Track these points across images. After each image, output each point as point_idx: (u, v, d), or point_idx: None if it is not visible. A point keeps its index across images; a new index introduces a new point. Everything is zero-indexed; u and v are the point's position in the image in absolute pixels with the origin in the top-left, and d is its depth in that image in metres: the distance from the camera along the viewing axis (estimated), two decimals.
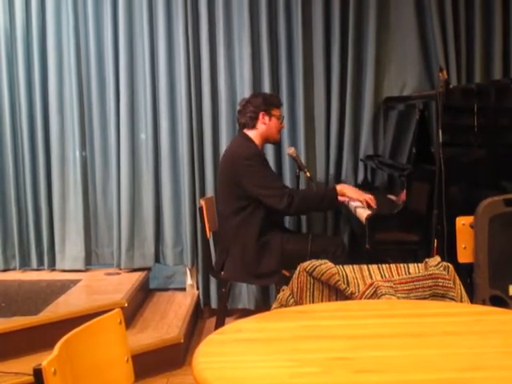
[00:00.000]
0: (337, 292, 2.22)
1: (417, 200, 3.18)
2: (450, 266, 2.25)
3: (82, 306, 3.48)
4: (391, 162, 3.60)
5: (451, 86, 3.28)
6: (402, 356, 1.51)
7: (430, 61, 4.05)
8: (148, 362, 3.23)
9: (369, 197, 3.42)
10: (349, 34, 4.01)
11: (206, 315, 4.26)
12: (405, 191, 3.17)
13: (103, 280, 4.10)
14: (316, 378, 1.40)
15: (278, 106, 3.61)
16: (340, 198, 3.42)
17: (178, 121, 4.19)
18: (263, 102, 3.53)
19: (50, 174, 4.27)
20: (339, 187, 3.46)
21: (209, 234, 3.57)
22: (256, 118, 3.52)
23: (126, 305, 3.50)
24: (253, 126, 3.53)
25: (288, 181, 4.09)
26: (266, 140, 3.60)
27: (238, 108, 3.65)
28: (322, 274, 2.20)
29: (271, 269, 3.40)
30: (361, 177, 4.09)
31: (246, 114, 3.53)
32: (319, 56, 4.05)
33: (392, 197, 3.48)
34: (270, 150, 4.02)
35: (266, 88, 4.02)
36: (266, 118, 3.53)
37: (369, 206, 3.37)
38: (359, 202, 3.42)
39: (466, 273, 2.80)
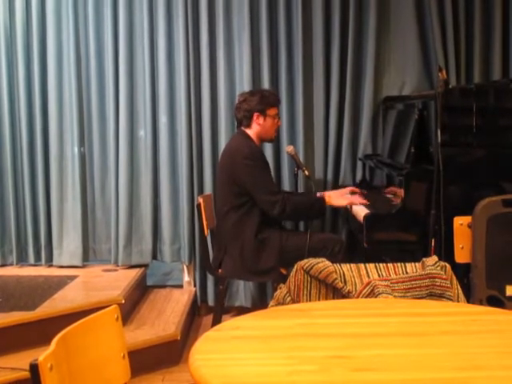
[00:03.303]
0: (334, 291, 2.22)
1: (415, 199, 3.18)
2: (448, 265, 2.25)
3: (79, 301, 3.48)
4: (390, 162, 3.60)
5: (450, 86, 3.29)
6: (399, 355, 1.51)
7: (430, 61, 4.05)
8: (144, 359, 3.23)
9: (355, 198, 3.59)
10: (348, 33, 4.01)
11: (203, 312, 4.26)
12: (402, 189, 3.17)
13: (100, 276, 4.09)
14: (314, 375, 1.40)
15: (275, 104, 3.58)
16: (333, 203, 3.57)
17: (177, 118, 4.18)
18: (259, 102, 3.50)
19: (49, 170, 4.27)
20: (327, 197, 3.55)
21: (206, 232, 3.57)
22: (250, 118, 3.52)
23: (123, 301, 3.50)
24: (248, 125, 3.54)
25: (287, 179, 4.10)
26: (261, 139, 3.60)
27: (235, 102, 3.65)
28: (320, 273, 2.21)
29: (270, 265, 3.41)
30: (359, 176, 4.09)
31: (241, 113, 3.54)
32: (319, 55, 4.05)
33: (389, 193, 3.49)
34: (268, 149, 4.02)
35: (265, 86, 4.02)
36: (261, 119, 3.52)
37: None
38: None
39: (463, 273, 2.80)
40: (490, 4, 3.99)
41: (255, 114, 3.51)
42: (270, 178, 3.55)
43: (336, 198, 3.58)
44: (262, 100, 3.51)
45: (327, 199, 3.52)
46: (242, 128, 3.56)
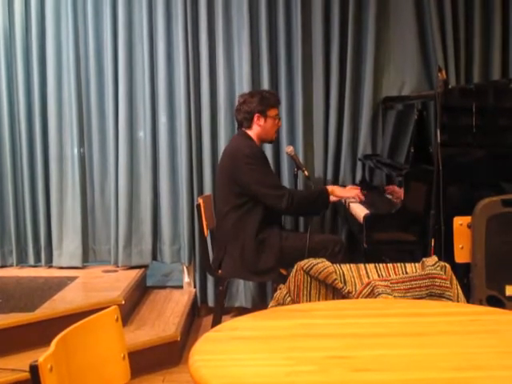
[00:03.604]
0: (334, 291, 2.22)
1: (414, 200, 3.18)
2: (447, 265, 2.25)
3: (78, 302, 3.48)
4: (389, 162, 3.60)
5: (450, 86, 3.29)
6: (398, 355, 1.51)
7: (429, 61, 4.05)
8: (145, 360, 3.23)
9: (356, 192, 3.59)
10: (348, 33, 4.01)
11: (203, 313, 4.26)
12: (402, 189, 3.17)
13: (100, 277, 4.09)
14: (313, 376, 1.40)
15: (275, 105, 3.59)
16: (331, 198, 3.56)
17: (176, 119, 4.18)
18: (259, 103, 3.50)
19: (48, 170, 4.27)
20: (330, 188, 3.59)
21: (206, 232, 3.57)
22: (251, 119, 3.52)
23: (123, 302, 3.50)
24: (249, 126, 3.54)
25: (286, 180, 4.10)
26: (262, 140, 3.60)
27: (236, 104, 3.65)
28: (319, 273, 2.21)
29: (270, 265, 3.41)
30: (359, 176, 4.09)
31: (241, 114, 3.54)
32: (318, 55, 4.05)
33: (389, 193, 3.49)
34: (268, 149, 4.02)
35: (265, 87, 4.02)
36: (261, 120, 3.52)
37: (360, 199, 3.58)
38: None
39: (463, 273, 2.81)
40: (489, 4, 3.99)
41: (256, 115, 3.51)
42: (273, 174, 3.58)
43: (339, 189, 3.61)
44: (262, 101, 3.51)
45: (330, 189, 3.55)
46: (243, 129, 3.56)
